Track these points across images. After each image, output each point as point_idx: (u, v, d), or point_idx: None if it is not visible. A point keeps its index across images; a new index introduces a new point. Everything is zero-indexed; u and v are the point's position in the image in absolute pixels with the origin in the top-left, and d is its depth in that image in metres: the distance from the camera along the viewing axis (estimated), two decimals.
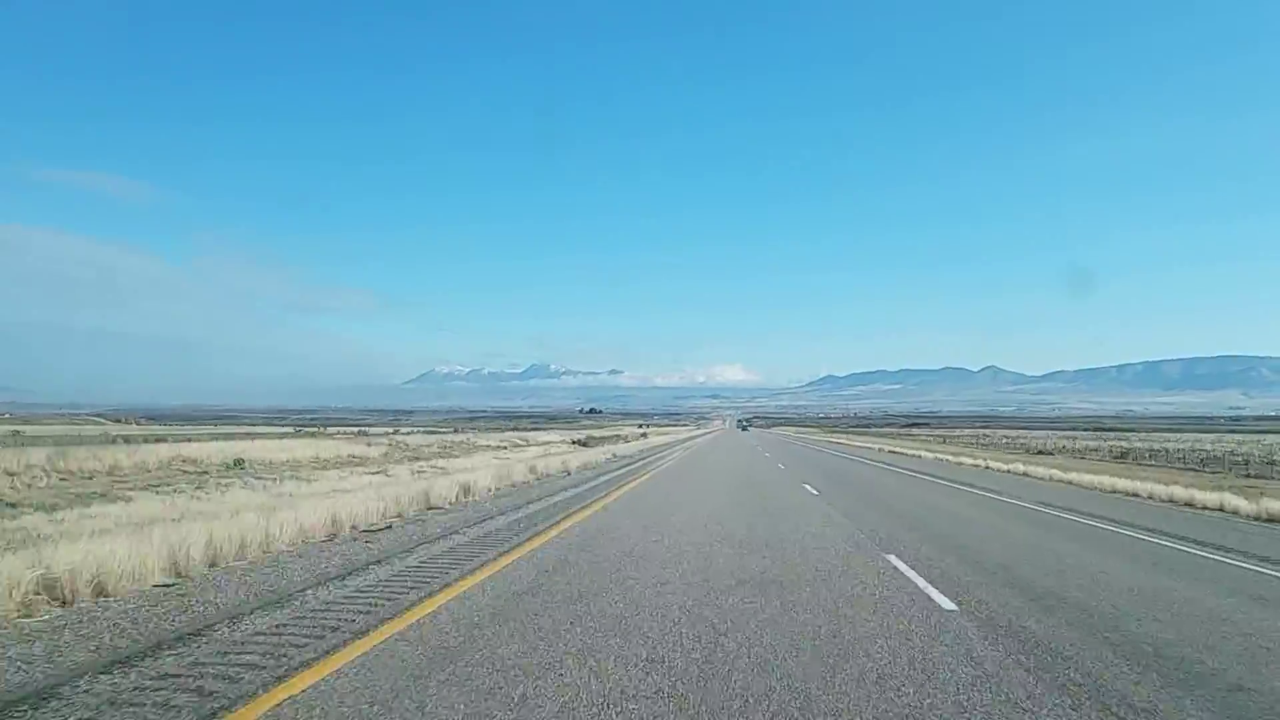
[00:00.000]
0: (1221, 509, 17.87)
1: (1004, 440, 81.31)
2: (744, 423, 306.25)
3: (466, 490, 16.87)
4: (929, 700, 4.86)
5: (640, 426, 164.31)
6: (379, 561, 9.34)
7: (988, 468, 34.35)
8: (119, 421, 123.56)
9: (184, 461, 26.03)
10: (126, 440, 38.49)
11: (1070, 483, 25.79)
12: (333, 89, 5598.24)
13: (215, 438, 45.03)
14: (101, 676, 5.01)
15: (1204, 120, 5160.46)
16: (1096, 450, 56.08)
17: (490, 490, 18.21)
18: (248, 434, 55.55)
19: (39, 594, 6.73)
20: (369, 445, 39.38)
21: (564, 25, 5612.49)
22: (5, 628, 6.07)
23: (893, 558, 10.20)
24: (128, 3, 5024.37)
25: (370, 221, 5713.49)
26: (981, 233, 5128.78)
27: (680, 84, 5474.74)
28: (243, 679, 4.98)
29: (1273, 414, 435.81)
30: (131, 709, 4.47)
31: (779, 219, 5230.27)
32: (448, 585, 7.98)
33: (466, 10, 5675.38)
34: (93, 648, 5.67)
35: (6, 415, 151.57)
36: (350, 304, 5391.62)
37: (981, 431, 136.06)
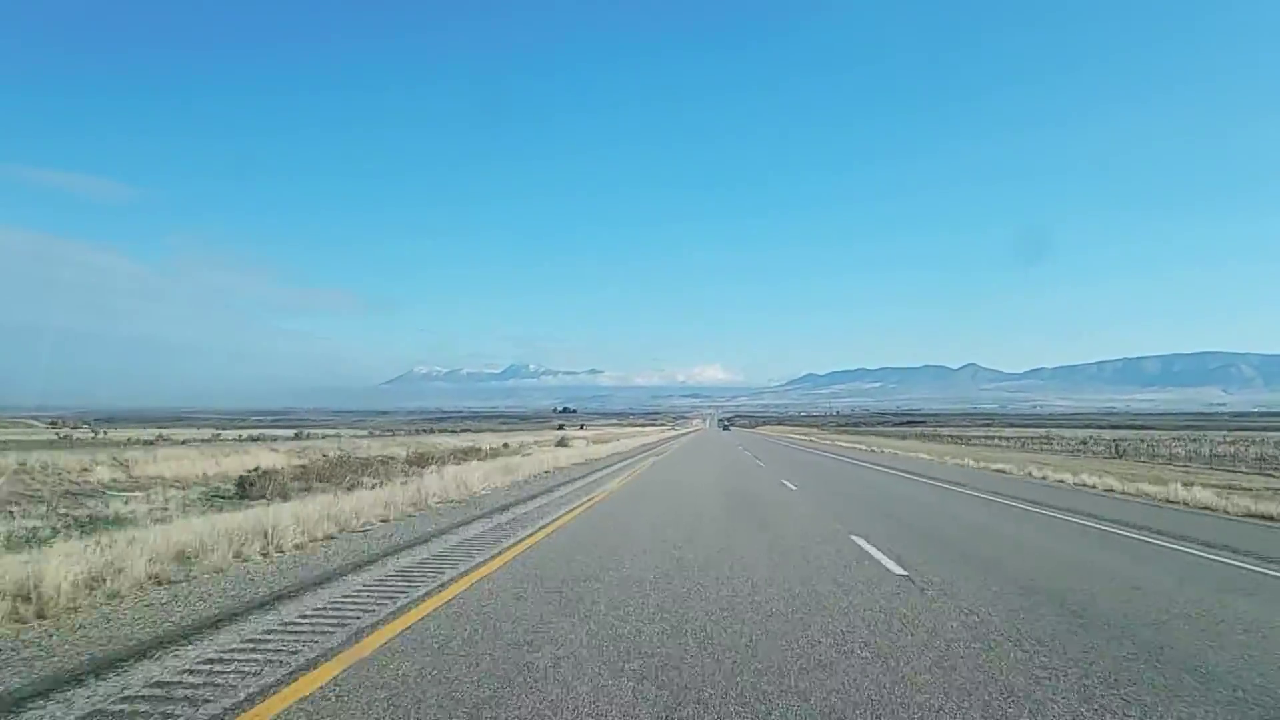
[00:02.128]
0: None
1: (1068, 443, 64.08)
2: (725, 422, 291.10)
3: None
4: None
5: (562, 428, 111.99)
6: None
7: None
8: (53, 425, 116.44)
9: None
10: None
11: None
12: (315, 92, 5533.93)
13: None
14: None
15: (1187, 123, 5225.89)
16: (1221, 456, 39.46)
17: None
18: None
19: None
20: None
21: (557, 37, 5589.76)
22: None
23: None
24: (105, 5, 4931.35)
25: (349, 223, 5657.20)
26: (961, 233, 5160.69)
27: (666, 98, 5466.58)
28: None
29: (1267, 410, 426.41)
30: None
31: (759, 222, 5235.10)
32: None
33: (448, 25, 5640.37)
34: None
35: None
36: (329, 305, 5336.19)
37: (994, 431, 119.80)
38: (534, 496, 15.97)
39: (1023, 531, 12.29)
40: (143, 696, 4.34)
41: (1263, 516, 14.92)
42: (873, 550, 9.68)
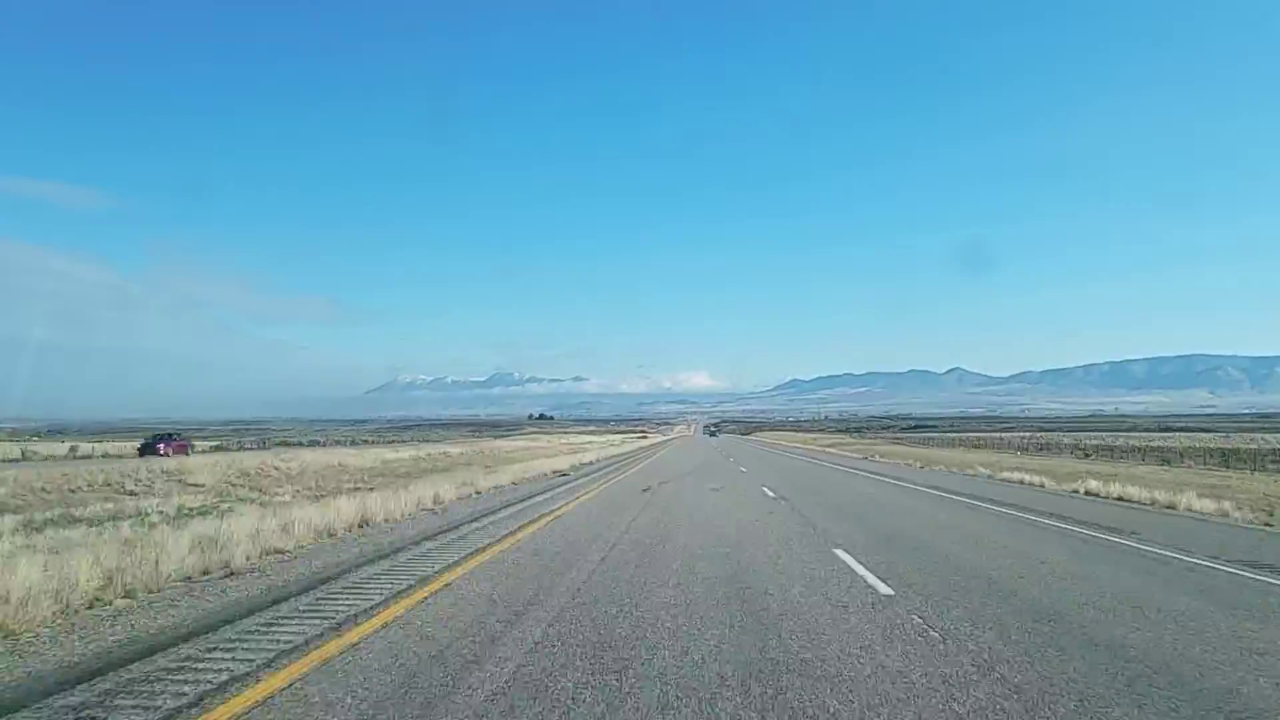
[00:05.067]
0: None
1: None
2: (711, 428, 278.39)
3: None
4: None
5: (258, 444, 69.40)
6: None
7: None
8: None
9: None
10: None
11: None
12: (294, 103, 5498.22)
13: None
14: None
15: (1171, 124, 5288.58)
16: None
17: None
18: None
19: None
20: None
21: (542, 46, 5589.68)
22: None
23: None
24: (79, 16, 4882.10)
25: (332, 232, 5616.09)
26: (945, 237, 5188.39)
27: (652, 106, 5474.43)
28: None
29: (1260, 411, 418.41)
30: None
31: (745, 229, 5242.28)
32: None
33: (431, 33, 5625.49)
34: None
35: None
36: (311, 314, 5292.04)
37: (1055, 436, 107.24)
38: None
39: None
40: None
41: None
42: None
